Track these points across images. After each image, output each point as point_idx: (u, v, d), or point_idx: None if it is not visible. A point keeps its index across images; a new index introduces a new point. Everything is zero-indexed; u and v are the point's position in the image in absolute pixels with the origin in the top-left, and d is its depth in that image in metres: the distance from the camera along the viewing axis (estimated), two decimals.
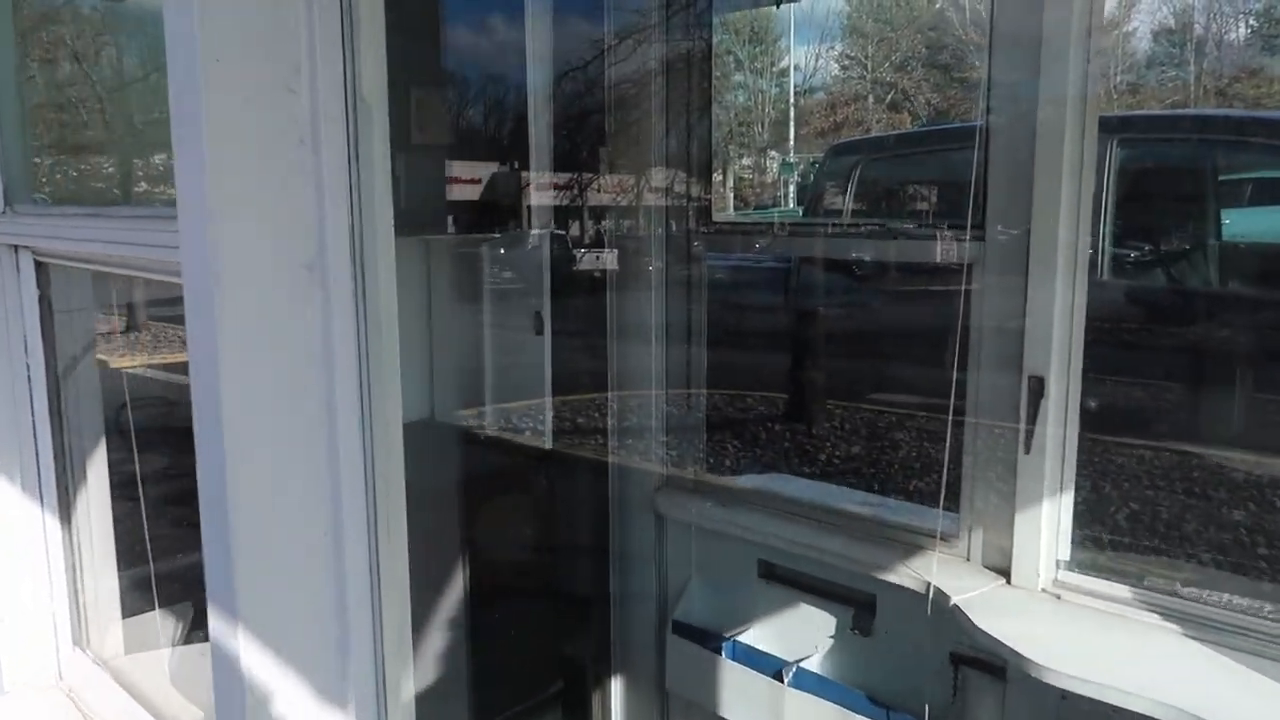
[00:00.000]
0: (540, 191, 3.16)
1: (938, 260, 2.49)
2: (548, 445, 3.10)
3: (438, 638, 2.98)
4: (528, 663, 3.11)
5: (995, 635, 2.08)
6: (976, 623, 2.15)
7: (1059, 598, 2.25)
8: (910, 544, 2.54)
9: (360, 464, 1.02)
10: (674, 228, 3.04)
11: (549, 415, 3.05)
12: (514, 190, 3.30)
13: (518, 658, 3.10)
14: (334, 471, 0.99)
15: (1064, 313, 2.18)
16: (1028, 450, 2.25)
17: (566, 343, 3.20)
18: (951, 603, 2.26)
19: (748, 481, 3.04)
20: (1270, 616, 2.03)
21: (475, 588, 3.28)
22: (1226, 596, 2.06)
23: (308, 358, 0.93)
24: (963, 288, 2.33)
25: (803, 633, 2.80)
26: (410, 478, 3.20)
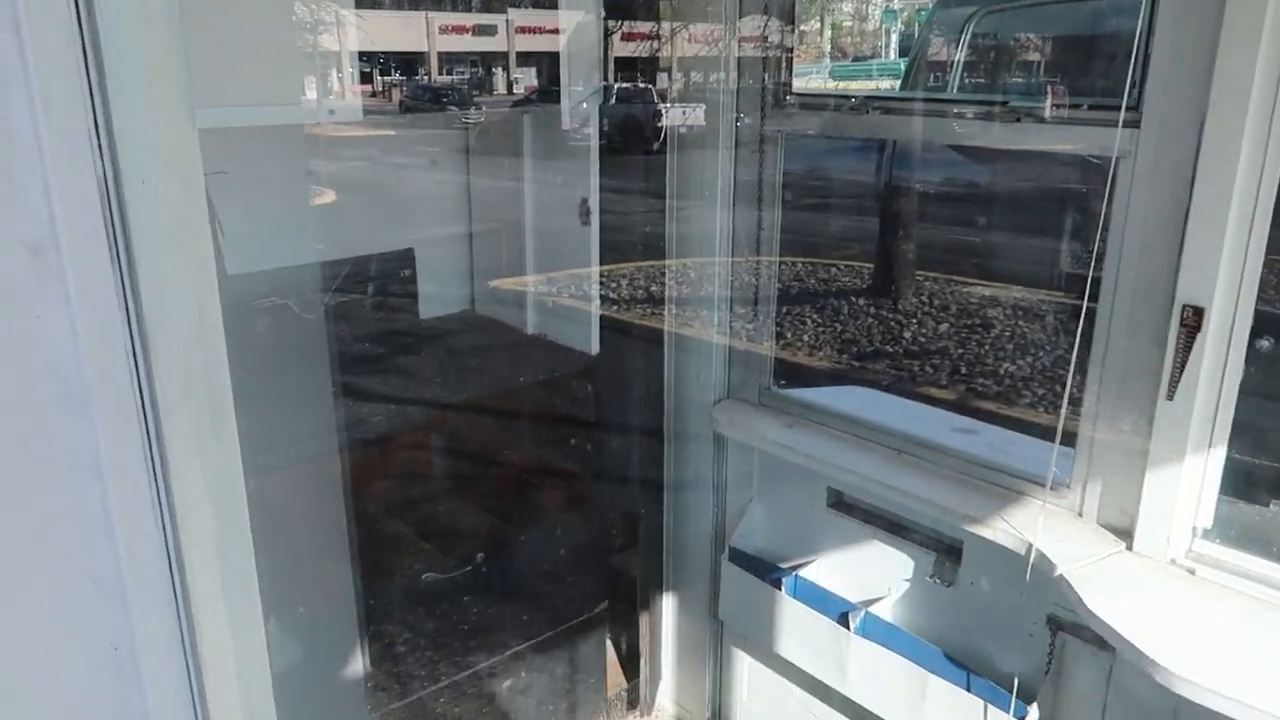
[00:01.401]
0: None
1: (1074, 151, 1.99)
2: (594, 350, 2.76)
3: (470, 550, 2.77)
4: (573, 580, 2.89)
5: (1112, 624, 1.72)
6: (1088, 603, 1.78)
7: (1193, 573, 1.86)
8: (1009, 489, 2.15)
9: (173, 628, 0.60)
10: (745, 97, 2.56)
11: (595, 318, 2.69)
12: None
13: (562, 574, 2.88)
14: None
15: (1239, 228, 1.68)
16: (1171, 396, 1.81)
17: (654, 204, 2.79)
18: (1057, 572, 1.89)
19: (819, 397, 2.65)
20: None
21: (514, 500, 3.04)
22: None
23: (38, 407, 0.56)
24: (1106, 186, 1.84)
25: (874, 572, 2.47)
26: (447, 377, 2.92)
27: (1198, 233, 1.72)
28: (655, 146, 2.53)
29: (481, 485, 3.13)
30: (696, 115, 2.62)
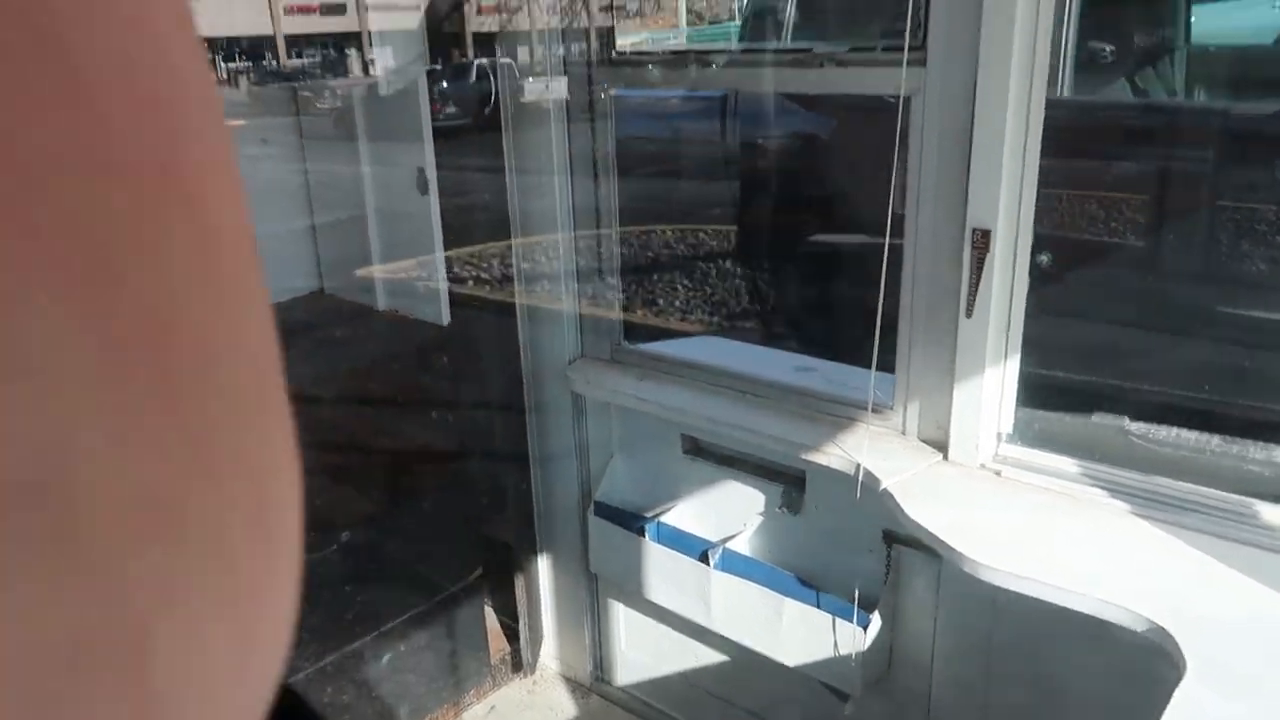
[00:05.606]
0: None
1: (870, 91, 2.11)
2: (444, 320, 2.77)
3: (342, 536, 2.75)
4: (445, 551, 2.91)
5: (928, 527, 1.86)
6: (908, 511, 1.93)
7: (999, 474, 2.03)
8: (842, 417, 2.29)
9: None
10: (572, 52, 2.59)
11: (444, 288, 2.70)
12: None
13: (433, 547, 2.89)
14: None
15: (1014, 153, 1.83)
16: (970, 314, 1.96)
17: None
18: (882, 487, 2.03)
19: (667, 348, 2.74)
20: (1234, 487, 1.82)
21: (378, 476, 3.04)
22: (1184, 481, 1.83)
23: None
24: (898, 124, 1.97)
25: (730, 511, 2.59)
26: (300, 361, 2.89)
27: (980, 161, 1.86)
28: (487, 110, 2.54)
29: (343, 463, 3.11)
30: (560, 88, 2.63)
